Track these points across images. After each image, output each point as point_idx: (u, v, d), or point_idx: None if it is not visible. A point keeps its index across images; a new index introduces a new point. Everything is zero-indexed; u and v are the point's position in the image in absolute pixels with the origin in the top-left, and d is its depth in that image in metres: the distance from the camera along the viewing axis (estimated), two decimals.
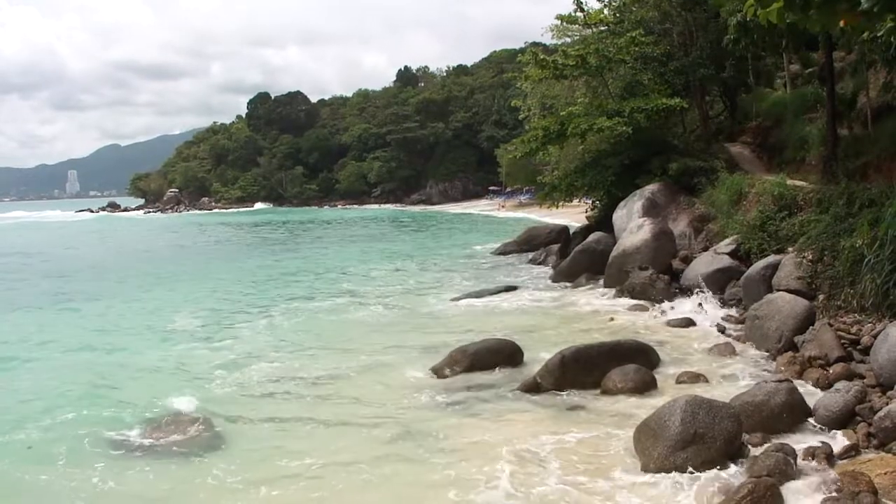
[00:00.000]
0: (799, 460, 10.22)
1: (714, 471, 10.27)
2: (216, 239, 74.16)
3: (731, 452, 10.54)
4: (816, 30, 6.46)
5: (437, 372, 16.61)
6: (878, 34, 16.25)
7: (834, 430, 11.36)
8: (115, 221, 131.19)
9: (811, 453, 10.43)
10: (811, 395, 12.78)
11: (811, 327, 15.79)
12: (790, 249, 19.47)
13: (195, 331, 23.83)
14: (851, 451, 10.65)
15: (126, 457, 12.89)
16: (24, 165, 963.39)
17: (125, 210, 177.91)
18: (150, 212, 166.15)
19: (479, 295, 27.11)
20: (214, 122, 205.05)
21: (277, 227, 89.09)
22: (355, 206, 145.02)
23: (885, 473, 9.74)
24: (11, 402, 16.57)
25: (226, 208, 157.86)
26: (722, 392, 13.37)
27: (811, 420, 11.75)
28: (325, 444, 12.95)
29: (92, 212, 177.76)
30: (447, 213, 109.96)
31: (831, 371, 13.85)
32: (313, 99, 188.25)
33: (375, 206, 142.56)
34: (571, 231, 39.10)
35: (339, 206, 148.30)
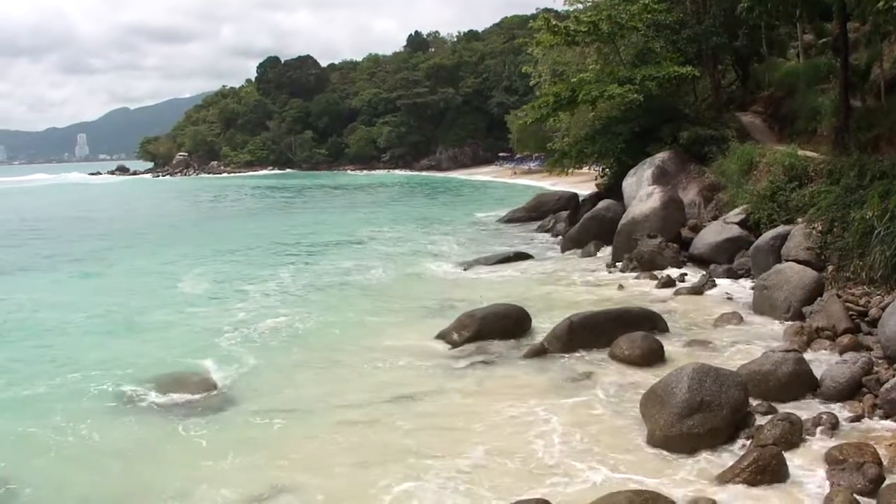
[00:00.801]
0: (804, 430, 10.24)
1: (719, 439, 10.31)
2: (230, 203, 74.43)
3: (738, 421, 10.57)
4: None
5: (445, 336, 16.67)
6: (894, 4, 16.13)
7: (840, 401, 11.37)
8: (136, 184, 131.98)
9: (817, 423, 10.45)
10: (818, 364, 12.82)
11: (819, 298, 15.80)
12: (800, 220, 19.47)
13: (204, 292, 24.19)
14: (857, 422, 10.69)
15: (119, 412, 13.24)
16: (34, 129, 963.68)
17: (134, 173, 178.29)
18: (158, 175, 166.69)
19: (486, 262, 27.11)
20: (224, 86, 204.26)
21: (287, 191, 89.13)
22: (364, 172, 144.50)
23: (890, 445, 9.80)
24: (21, 359, 16.91)
25: (234, 172, 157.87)
26: (729, 361, 13.40)
27: (818, 391, 11.76)
28: (309, 408, 13.09)
29: (103, 174, 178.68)
30: (456, 178, 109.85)
31: (839, 342, 13.86)
32: (323, 63, 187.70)
33: (384, 172, 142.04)
34: (581, 198, 39.04)
35: (349, 171, 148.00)
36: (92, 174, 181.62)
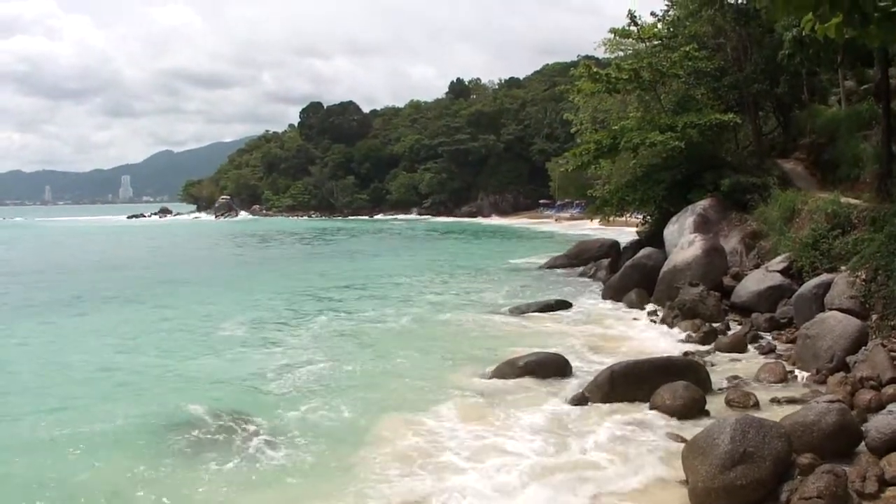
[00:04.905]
0: (849, 483, 10.05)
1: (762, 491, 10.14)
2: (269, 246, 75.07)
3: (781, 473, 10.40)
4: (875, 45, 6.41)
5: (487, 385, 16.61)
6: None
7: (886, 453, 11.15)
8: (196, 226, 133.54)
9: (862, 476, 10.26)
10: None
11: (864, 347, 15.58)
12: (843, 268, 19.29)
13: (240, 337, 24.09)
14: None
15: (154, 454, 13.06)
16: (80, 170, 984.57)
17: (178, 215, 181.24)
18: (197, 217, 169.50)
19: (527, 309, 27.00)
20: (267, 131, 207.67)
21: (325, 235, 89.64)
22: (405, 217, 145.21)
23: None
24: (51, 400, 16.93)
25: (274, 216, 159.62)
26: (772, 412, 13.24)
27: (863, 442, 11.54)
28: (349, 456, 12.75)
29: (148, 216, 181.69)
30: (497, 225, 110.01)
31: (884, 392, 13.62)
32: (363, 109, 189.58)
33: (425, 217, 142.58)
34: (622, 246, 38.94)
35: (391, 216, 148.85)
36: (130, 217, 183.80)
